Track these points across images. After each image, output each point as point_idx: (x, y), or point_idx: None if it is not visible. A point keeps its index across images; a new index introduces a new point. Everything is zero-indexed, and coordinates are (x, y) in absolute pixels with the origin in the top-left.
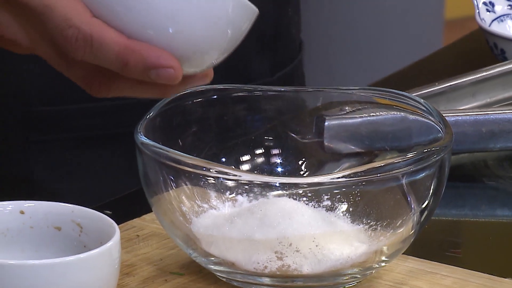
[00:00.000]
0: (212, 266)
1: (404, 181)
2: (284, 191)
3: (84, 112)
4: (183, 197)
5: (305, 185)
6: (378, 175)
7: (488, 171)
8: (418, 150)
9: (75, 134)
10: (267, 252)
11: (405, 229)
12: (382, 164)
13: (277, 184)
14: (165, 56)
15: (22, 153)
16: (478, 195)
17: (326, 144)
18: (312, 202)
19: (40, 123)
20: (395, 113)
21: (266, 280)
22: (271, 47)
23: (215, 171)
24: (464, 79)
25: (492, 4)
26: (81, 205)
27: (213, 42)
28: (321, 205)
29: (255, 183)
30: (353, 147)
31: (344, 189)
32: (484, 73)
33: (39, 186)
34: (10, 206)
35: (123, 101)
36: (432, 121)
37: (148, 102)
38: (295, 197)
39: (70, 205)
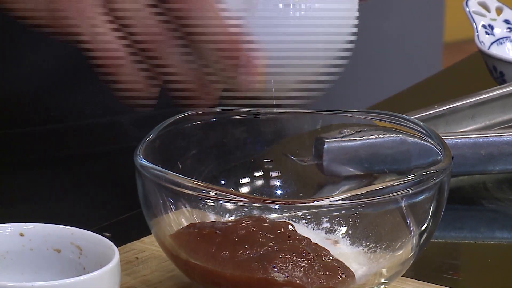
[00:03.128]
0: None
1: (403, 203)
2: (284, 214)
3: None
4: (182, 220)
5: (304, 208)
6: (377, 197)
7: (487, 193)
8: (417, 172)
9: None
10: None
11: (404, 252)
12: (381, 187)
13: (277, 207)
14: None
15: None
16: (477, 217)
17: (325, 166)
18: (312, 224)
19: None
20: (394, 135)
21: None
22: None
23: (215, 193)
24: (463, 102)
25: (491, 27)
26: (80, 228)
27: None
28: (320, 227)
29: (254, 206)
30: (352, 170)
31: (343, 212)
32: (483, 96)
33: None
34: (9, 228)
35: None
36: (431, 143)
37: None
38: (294, 219)
39: (69, 227)
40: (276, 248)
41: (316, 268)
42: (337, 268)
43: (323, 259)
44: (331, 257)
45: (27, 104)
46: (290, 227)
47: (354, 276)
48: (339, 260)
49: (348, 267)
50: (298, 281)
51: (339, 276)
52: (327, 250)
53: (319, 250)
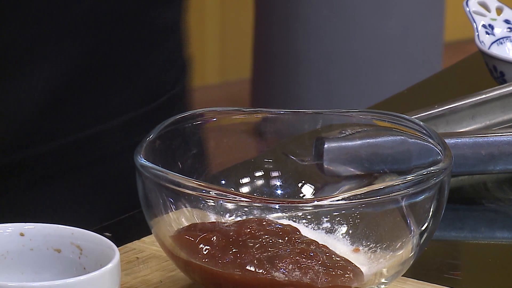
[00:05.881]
0: None
1: (403, 203)
2: (284, 214)
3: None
4: (183, 220)
5: (304, 208)
6: (378, 197)
7: (487, 193)
8: (418, 172)
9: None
10: None
11: (405, 251)
12: (382, 187)
13: (277, 207)
14: None
15: None
16: (477, 217)
17: (326, 166)
18: (312, 224)
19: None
20: (395, 135)
21: None
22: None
23: (215, 193)
24: (464, 102)
25: (492, 27)
26: (80, 228)
27: None
28: (321, 227)
29: (255, 206)
30: (352, 170)
31: (343, 212)
32: (484, 96)
33: None
34: (10, 228)
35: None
36: (432, 143)
37: None
38: (294, 219)
39: (70, 227)
40: (288, 251)
41: (325, 267)
42: (347, 267)
43: (333, 259)
44: (339, 257)
45: (35, 122)
46: (298, 232)
47: (362, 273)
48: (347, 259)
49: (356, 266)
50: (308, 281)
51: (346, 274)
52: (333, 251)
53: (327, 251)
